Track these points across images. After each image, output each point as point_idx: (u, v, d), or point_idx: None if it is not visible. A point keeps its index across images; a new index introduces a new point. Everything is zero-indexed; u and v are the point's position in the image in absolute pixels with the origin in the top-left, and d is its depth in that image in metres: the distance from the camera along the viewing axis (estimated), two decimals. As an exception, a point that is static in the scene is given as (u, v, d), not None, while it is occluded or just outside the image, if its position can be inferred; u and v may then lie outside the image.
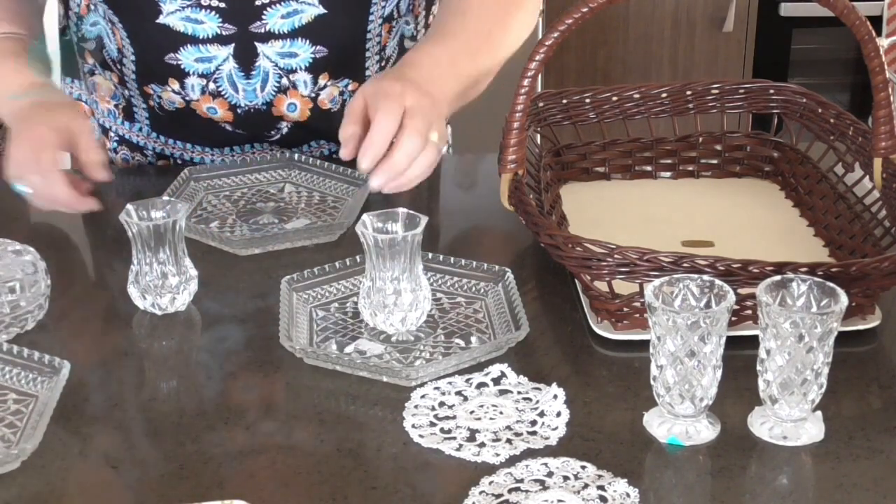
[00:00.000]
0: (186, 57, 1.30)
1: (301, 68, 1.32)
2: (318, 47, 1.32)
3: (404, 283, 1.01)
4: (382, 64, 1.39)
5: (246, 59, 1.31)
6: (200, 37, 1.29)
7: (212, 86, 1.32)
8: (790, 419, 0.89)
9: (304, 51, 1.31)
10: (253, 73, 1.31)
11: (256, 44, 1.30)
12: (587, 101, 1.33)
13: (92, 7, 1.36)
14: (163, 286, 1.06)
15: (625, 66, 3.23)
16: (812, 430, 0.89)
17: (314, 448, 0.89)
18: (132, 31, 1.31)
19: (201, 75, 1.31)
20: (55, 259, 1.16)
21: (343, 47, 1.34)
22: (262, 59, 1.31)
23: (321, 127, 1.38)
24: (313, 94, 1.35)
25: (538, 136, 1.32)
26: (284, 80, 1.33)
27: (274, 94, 1.33)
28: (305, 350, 0.99)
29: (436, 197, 1.39)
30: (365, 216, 1.02)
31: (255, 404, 0.96)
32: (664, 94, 1.33)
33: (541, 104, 1.31)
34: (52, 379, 0.94)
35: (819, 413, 0.90)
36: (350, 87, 1.37)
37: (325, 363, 0.98)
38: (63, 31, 1.45)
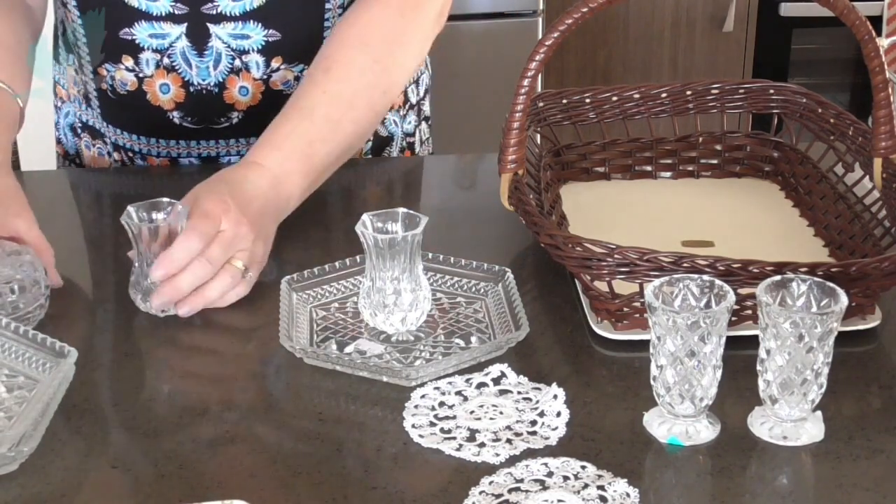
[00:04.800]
0: (141, 32, 1.31)
1: (253, 50, 1.33)
2: (271, 31, 1.32)
3: (404, 283, 1.01)
4: None
5: (198, 39, 1.31)
6: (154, 14, 1.30)
7: (166, 60, 1.33)
8: (790, 419, 0.89)
9: (257, 34, 1.32)
10: (206, 52, 1.32)
11: (209, 24, 1.31)
12: (587, 101, 1.33)
13: None
14: None
15: (625, 66, 3.23)
16: (812, 430, 0.89)
17: (314, 448, 0.89)
18: (86, 9, 1.32)
19: (155, 50, 1.32)
20: (56, 259, 1.16)
21: (298, 33, 1.33)
22: (215, 39, 1.31)
23: (272, 114, 1.32)
24: (265, 76, 1.35)
25: (538, 136, 1.32)
26: (237, 62, 1.33)
27: (226, 74, 1.34)
28: (305, 350, 0.99)
29: (436, 197, 1.39)
30: (365, 216, 1.02)
31: (255, 404, 0.96)
32: (664, 94, 1.33)
33: (541, 104, 1.31)
34: (58, 364, 0.95)
35: (819, 413, 0.90)
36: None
37: (325, 363, 0.98)
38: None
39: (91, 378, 0.99)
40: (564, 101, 1.33)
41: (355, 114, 1.22)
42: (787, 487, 0.85)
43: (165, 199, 1.08)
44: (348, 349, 1.01)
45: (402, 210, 1.03)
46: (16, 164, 1.55)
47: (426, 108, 1.56)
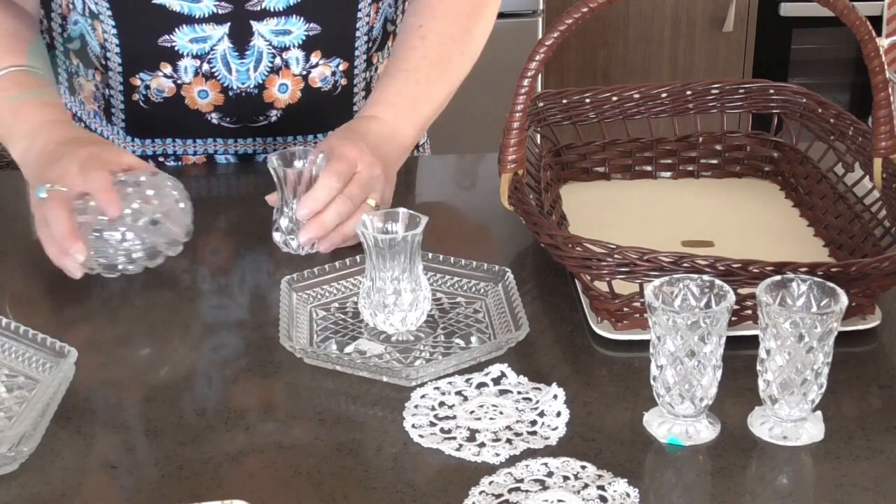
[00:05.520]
0: (181, 38, 1.31)
1: (294, 45, 1.34)
2: (312, 24, 1.34)
3: (404, 283, 1.01)
4: (370, 45, 1.41)
5: (241, 39, 1.32)
6: (196, 16, 1.30)
7: (205, 67, 1.33)
8: (790, 419, 0.89)
9: (298, 28, 1.33)
10: (247, 52, 1.33)
11: (252, 22, 1.31)
12: (587, 101, 1.33)
13: (71, 6, 1.36)
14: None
15: (625, 66, 3.23)
16: (812, 430, 0.89)
17: (314, 448, 0.89)
18: (123, 18, 1.32)
19: (195, 56, 1.32)
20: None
21: (335, 25, 1.36)
22: (257, 38, 1.32)
23: (310, 112, 1.39)
24: (304, 72, 1.36)
25: (538, 136, 1.32)
26: (277, 60, 1.34)
27: (266, 74, 1.35)
28: (305, 350, 0.99)
29: (436, 197, 1.39)
30: (365, 216, 1.02)
31: (255, 404, 0.96)
32: (664, 94, 1.33)
33: (541, 104, 1.31)
34: (58, 364, 0.95)
35: (819, 413, 0.90)
36: (341, 68, 1.39)
37: (325, 363, 0.98)
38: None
39: (91, 378, 0.99)
40: (564, 101, 1.33)
41: (448, 77, 1.34)
42: (787, 487, 0.85)
43: (302, 148, 1.17)
44: (348, 349, 1.01)
45: (402, 210, 1.03)
46: (16, 165, 1.55)
47: None
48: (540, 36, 2.88)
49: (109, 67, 1.36)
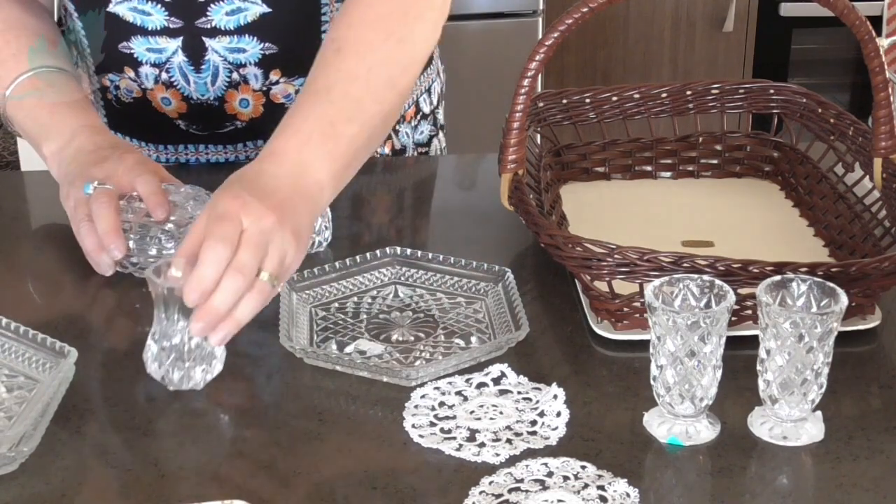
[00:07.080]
0: (138, 46, 1.30)
1: (251, 63, 1.31)
2: (267, 44, 1.30)
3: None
4: None
5: (195, 53, 1.30)
6: (149, 28, 1.29)
7: (164, 76, 1.32)
8: (790, 419, 0.89)
9: (252, 47, 1.30)
10: (203, 66, 1.31)
11: (204, 38, 1.29)
12: (587, 101, 1.33)
13: None
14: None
15: (625, 66, 3.23)
16: (812, 430, 0.89)
17: (314, 448, 0.89)
18: (86, 20, 1.32)
19: (154, 65, 1.31)
20: (57, 259, 1.16)
21: (295, 46, 1.31)
22: (211, 53, 1.30)
23: (275, 125, 1.36)
24: (265, 89, 1.34)
25: (538, 136, 1.32)
26: (235, 75, 1.32)
27: (225, 88, 1.33)
28: (305, 350, 0.99)
29: (436, 197, 1.39)
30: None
31: (255, 404, 0.96)
32: (664, 94, 1.33)
33: (541, 104, 1.31)
34: (59, 364, 0.95)
35: (819, 413, 0.90)
36: None
37: (325, 363, 0.99)
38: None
39: (91, 378, 0.99)
40: (564, 101, 1.33)
41: (376, 92, 1.10)
42: (787, 487, 0.85)
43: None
44: (348, 349, 1.01)
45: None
46: (16, 165, 1.55)
47: (440, 116, 1.53)
48: (540, 36, 2.88)
49: (87, 64, 1.37)
